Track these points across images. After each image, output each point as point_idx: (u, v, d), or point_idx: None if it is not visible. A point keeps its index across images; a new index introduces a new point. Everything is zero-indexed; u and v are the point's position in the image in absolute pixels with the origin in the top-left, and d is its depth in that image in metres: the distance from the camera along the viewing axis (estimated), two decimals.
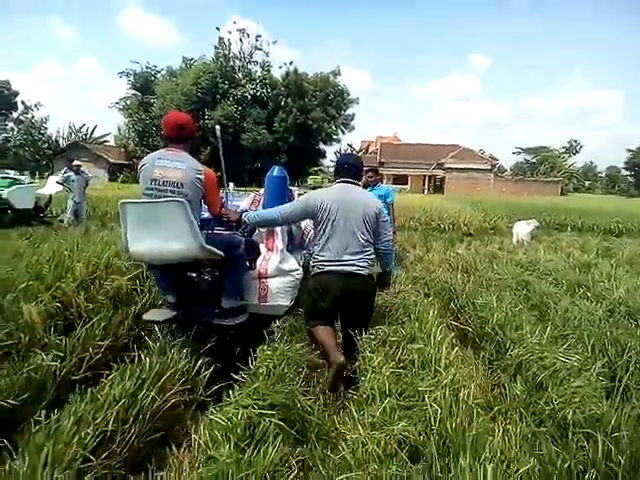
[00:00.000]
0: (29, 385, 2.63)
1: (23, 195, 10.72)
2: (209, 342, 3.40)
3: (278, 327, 3.56)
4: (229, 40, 44.90)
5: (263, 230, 4.01)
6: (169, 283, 3.48)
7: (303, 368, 2.98)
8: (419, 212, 15.47)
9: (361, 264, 3.20)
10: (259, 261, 3.89)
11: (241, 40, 45.21)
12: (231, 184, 5.32)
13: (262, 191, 4.43)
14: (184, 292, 3.49)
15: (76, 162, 11.42)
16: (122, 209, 3.13)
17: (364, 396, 2.52)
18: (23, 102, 50.24)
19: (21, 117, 50.42)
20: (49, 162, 46.34)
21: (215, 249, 3.22)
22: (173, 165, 3.15)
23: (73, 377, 2.91)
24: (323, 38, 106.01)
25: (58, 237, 5.77)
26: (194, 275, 3.57)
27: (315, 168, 52.42)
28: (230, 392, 2.59)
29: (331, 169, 69.98)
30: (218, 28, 45.23)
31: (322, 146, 46.69)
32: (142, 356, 2.91)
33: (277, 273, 3.84)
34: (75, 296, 3.51)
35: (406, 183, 48.59)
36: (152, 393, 2.52)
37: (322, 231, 3.24)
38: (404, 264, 7.58)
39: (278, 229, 4.00)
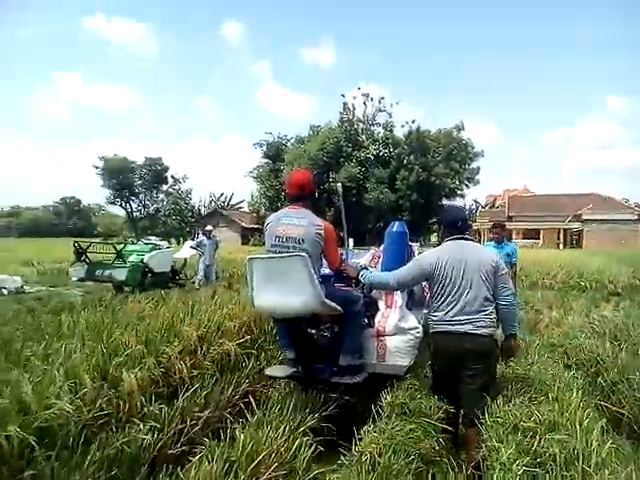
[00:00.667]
0: (122, 459, 2.51)
1: (161, 259, 11.55)
2: (310, 417, 3.09)
3: (387, 402, 3.14)
4: (353, 105, 46.83)
5: None
6: (290, 338, 3.53)
7: (415, 457, 2.53)
8: (555, 268, 14.14)
9: (478, 324, 2.97)
10: (377, 318, 3.76)
11: (365, 104, 46.93)
12: (350, 240, 5.46)
13: (382, 247, 4.31)
14: (303, 348, 3.50)
15: (208, 227, 12.29)
16: (249, 265, 3.28)
17: None
18: (172, 176, 56.32)
19: (170, 189, 56.23)
20: (192, 229, 50.82)
21: (334, 304, 3.24)
22: (295, 222, 3.27)
23: (169, 451, 2.77)
24: (446, 94, 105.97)
25: (178, 299, 5.95)
26: (313, 332, 3.63)
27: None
28: None
29: None
30: (343, 95, 47.52)
31: (445, 201, 45.73)
32: (237, 432, 2.70)
33: (396, 331, 3.67)
34: (179, 361, 3.44)
35: (538, 237, 45.49)
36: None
37: (437, 290, 3.10)
38: (538, 328, 6.74)
39: None
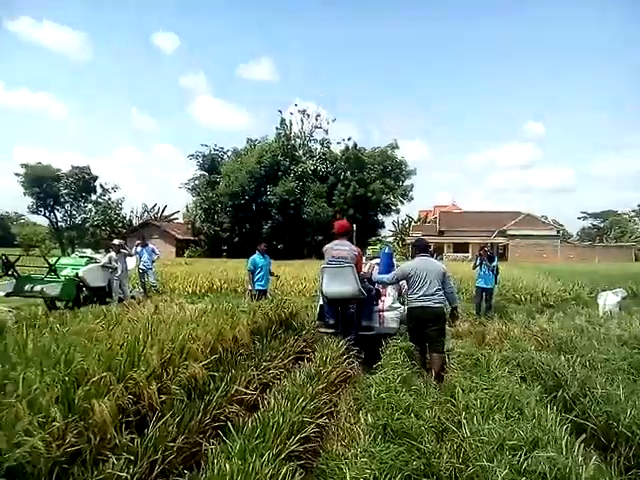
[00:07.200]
0: None
1: (97, 273, 10.82)
2: (290, 441, 2.97)
3: (370, 424, 3.08)
4: (290, 121, 47.02)
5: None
6: (333, 312, 6.21)
7: None
8: None
9: (434, 300, 5.43)
10: (379, 301, 6.61)
11: (302, 120, 47.24)
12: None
13: (376, 260, 7.55)
14: (340, 317, 6.24)
15: (116, 241, 11.58)
16: (321, 271, 6.09)
17: None
18: (102, 185, 53.13)
19: (99, 199, 53.34)
20: (124, 240, 48.33)
21: (363, 291, 5.91)
22: (342, 248, 6.00)
23: None
24: (381, 113, 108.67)
25: (129, 318, 5.64)
26: (345, 308, 6.30)
27: (373, 238, 52.13)
28: None
29: (389, 238, 70.08)
30: (280, 111, 47.57)
31: (381, 216, 46.68)
32: (221, 463, 2.53)
33: (389, 309, 6.60)
34: (146, 387, 3.19)
35: (467, 251, 47.36)
36: None
37: (412, 284, 5.55)
38: (487, 341, 6.95)
39: None
